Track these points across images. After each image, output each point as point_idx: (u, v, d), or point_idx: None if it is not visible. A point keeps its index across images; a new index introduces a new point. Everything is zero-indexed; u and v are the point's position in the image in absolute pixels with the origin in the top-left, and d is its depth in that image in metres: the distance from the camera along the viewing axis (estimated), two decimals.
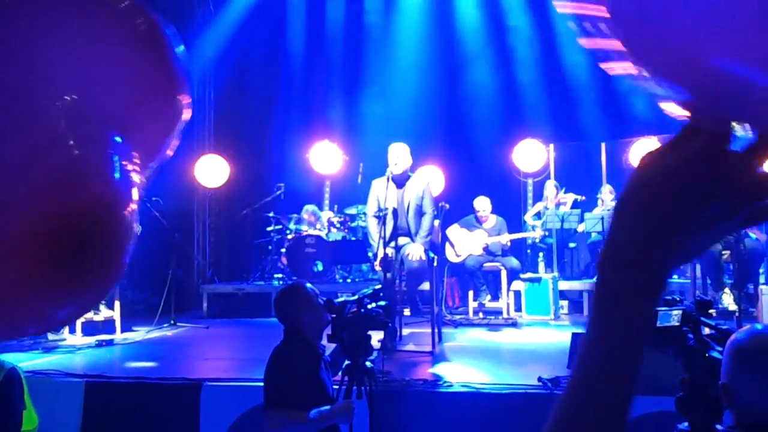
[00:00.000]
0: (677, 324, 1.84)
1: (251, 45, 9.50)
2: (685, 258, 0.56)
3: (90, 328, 5.89)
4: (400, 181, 5.54)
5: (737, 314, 5.40)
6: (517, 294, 7.19)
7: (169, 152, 0.73)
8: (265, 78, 9.70)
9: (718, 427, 1.73)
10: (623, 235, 0.56)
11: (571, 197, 8.31)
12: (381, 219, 5.35)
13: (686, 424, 1.79)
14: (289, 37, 10.03)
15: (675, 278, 6.80)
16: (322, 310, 2.74)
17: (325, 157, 9.02)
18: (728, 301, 5.96)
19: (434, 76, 9.51)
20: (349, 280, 7.81)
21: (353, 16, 9.94)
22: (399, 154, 5.49)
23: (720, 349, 1.74)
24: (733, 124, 0.52)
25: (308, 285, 2.83)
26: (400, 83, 9.40)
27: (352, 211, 8.17)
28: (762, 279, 6.39)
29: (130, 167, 0.63)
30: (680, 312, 1.85)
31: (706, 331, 1.90)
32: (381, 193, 5.46)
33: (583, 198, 8.25)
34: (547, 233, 8.10)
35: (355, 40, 9.91)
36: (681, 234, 0.54)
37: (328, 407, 2.60)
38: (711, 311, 1.97)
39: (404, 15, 9.78)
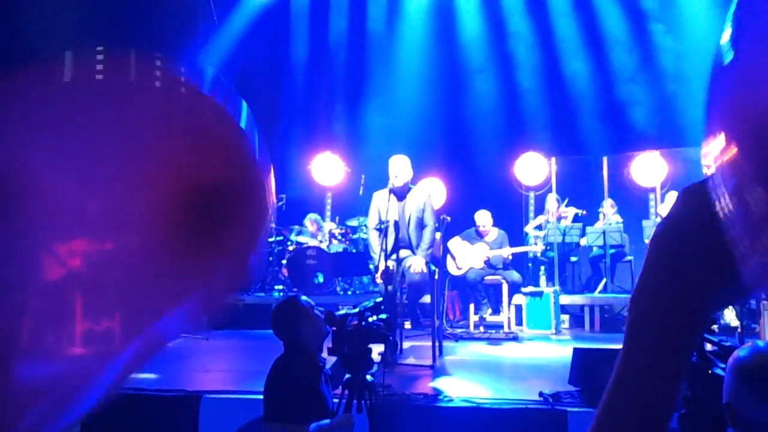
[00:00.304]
0: None
1: (254, 56, 9.54)
2: (725, 301, 0.55)
3: None
4: (401, 194, 5.54)
5: (739, 330, 5.37)
6: (518, 308, 7.16)
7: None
8: (267, 89, 9.74)
9: None
10: (662, 272, 0.55)
11: (572, 211, 8.30)
12: (382, 231, 5.34)
13: None
14: (292, 49, 10.09)
15: None
16: (319, 322, 2.73)
17: (327, 169, 9.05)
18: (730, 316, 5.94)
19: (436, 89, 9.54)
20: (350, 293, 7.79)
21: (356, 28, 9.99)
22: (399, 167, 5.49)
23: (723, 365, 1.72)
24: None
25: (303, 298, 2.82)
26: (402, 95, 9.44)
27: (353, 222, 8.16)
28: (765, 294, 6.36)
29: None
30: None
31: (709, 347, 1.89)
32: (382, 205, 5.46)
33: (584, 212, 8.25)
34: (548, 247, 8.08)
35: (358, 53, 9.96)
36: (721, 275, 0.52)
37: (327, 421, 2.58)
38: (713, 327, 1.96)
39: (407, 27, 9.83)
